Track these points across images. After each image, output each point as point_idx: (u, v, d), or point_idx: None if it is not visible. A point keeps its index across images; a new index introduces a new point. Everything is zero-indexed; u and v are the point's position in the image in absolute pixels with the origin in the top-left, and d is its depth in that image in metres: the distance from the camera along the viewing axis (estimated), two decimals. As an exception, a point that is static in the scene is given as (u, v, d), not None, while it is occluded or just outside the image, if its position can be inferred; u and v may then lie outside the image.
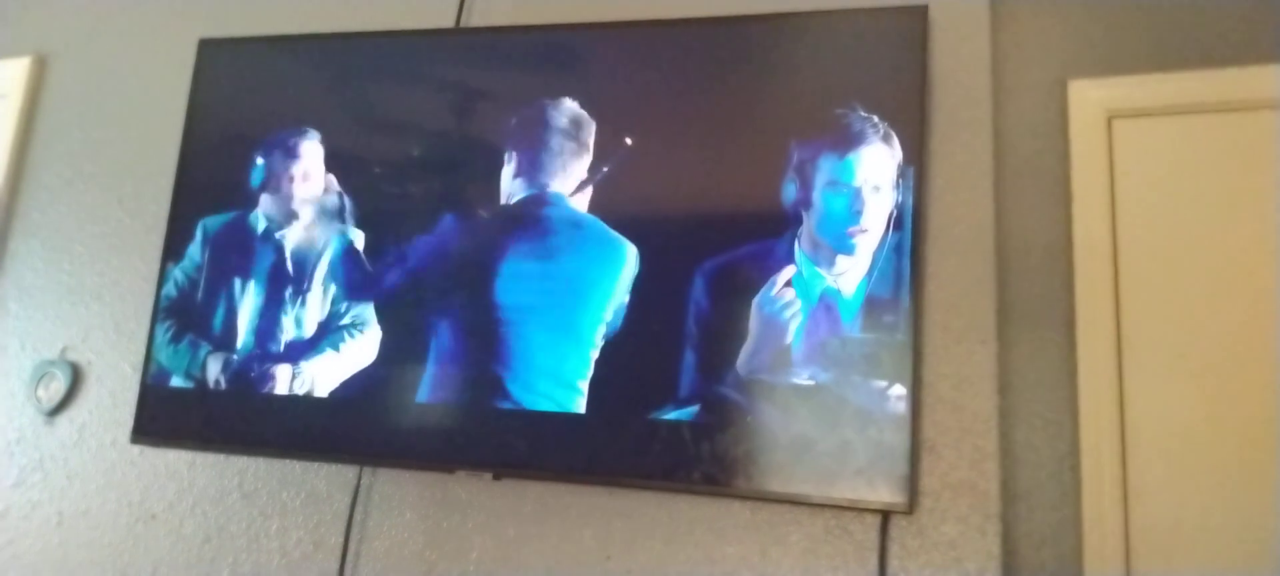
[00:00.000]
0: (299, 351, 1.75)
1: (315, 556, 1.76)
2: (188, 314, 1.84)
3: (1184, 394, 1.53)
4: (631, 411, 1.56)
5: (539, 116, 1.72)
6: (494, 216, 1.71)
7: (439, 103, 1.81)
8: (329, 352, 1.73)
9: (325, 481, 1.79)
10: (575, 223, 1.65)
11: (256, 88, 1.93)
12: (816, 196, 1.55)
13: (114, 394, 1.98)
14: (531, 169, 1.70)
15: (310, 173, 1.82)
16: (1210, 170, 1.59)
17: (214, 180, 1.89)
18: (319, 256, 1.78)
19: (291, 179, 1.83)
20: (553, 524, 1.65)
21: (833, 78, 1.60)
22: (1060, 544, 1.52)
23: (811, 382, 1.49)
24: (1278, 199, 1.54)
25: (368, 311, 1.73)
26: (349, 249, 1.76)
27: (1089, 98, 1.65)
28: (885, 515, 1.48)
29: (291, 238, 1.81)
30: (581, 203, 1.66)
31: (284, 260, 1.80)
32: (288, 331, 1.76)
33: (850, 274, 1.51)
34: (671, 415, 1.53)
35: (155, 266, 1.91)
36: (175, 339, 1.83)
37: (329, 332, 1.74)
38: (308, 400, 1.73)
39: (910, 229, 1.50)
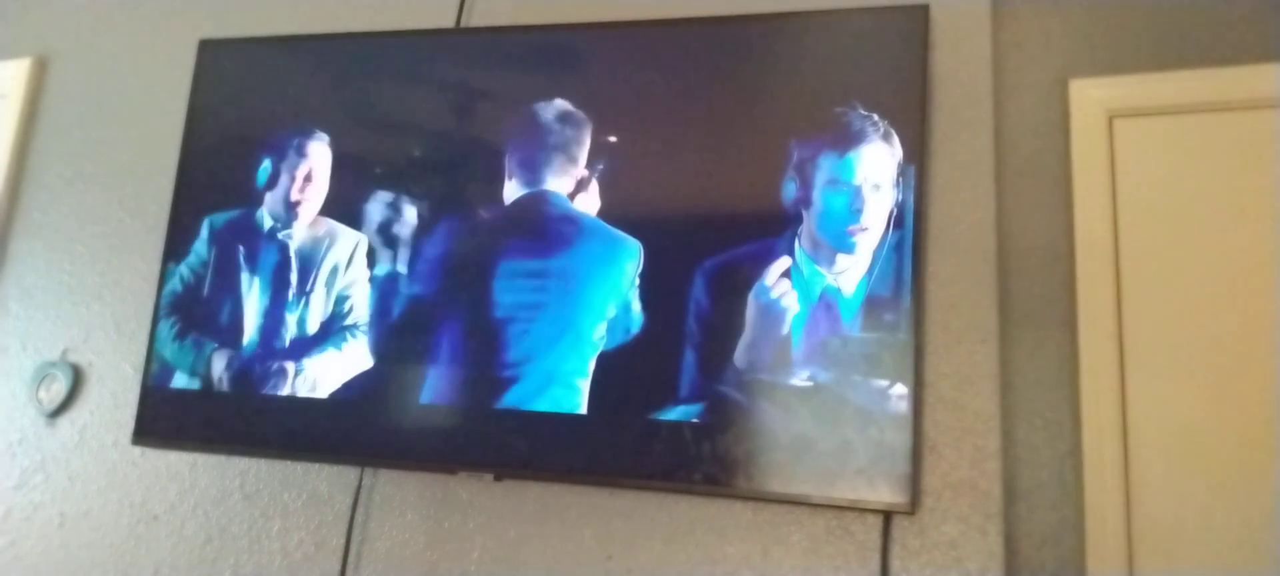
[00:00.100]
0: (301, 351, 1.75)
1: (317, 557, 1.76)
2: (191, 312, 1.84)
3: (1185, 392, 1.53)
4: (632, 411, 1.56)
5: (539, 116, 1.72)
6: (494, 216, 1.71)
7: (439, 103, 1.81)
8: (331, 352, 1.73)
9: (327, 482, 1.79)
10: (576, 222, 1.65)
11: (257, 88, 1.93)
12: (817, 195, 1.55)
13: (115, 395, 1.98)
14: (532, 169, 1.70)
15: (316, 174, 1.82)
16: (1211, 169, 1.59)
17: (215, 181, 1.89)
18: (323, 256, 1.78)
19: (297, 179, 1.83)
20: (554, 524, 1.65)
21: (833, 77, 1.59)
22: (1062, 543, 1.52)
23: (812, 382, 1.48)
24: (1279, 198, 1.54)
25: (369, 312, 1.73)
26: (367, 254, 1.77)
27: (1090, 97, 1.65)
28: (887, 515, 1.48)
29: (295, 237, 1.81)
30: (583, 203, 1.66)
31: (288, 259, 1.80)
32: (290, 331, 1.76)
33: (850, 272, 1.51)
34: (672, 415, 1.53)
35: (156, 267, 1.91)
36: (179, 336, 1.83)
37: (331, 333, 1.74)
38: (309, 401, 1.73)
39: (912, 228, 1.50)
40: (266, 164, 1.85)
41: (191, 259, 1.86)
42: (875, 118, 1.55)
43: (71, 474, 1.97)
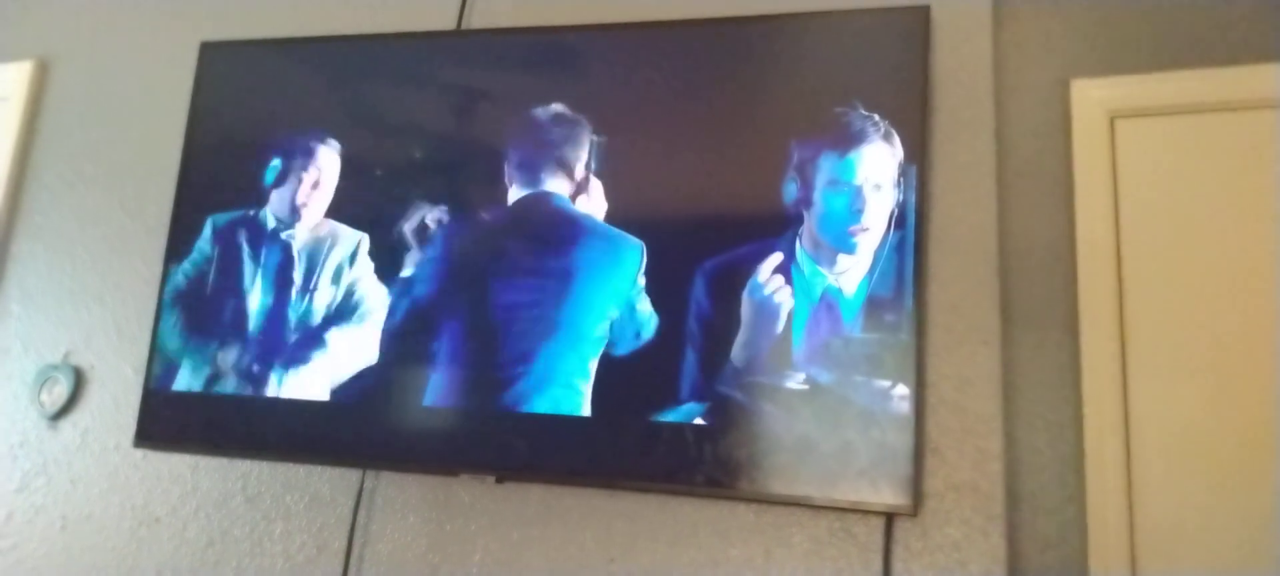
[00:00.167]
0: (303, 353, 1.75)
1: (319, 560, 1.76)
2: (193, 314, 1.84)
3: (1188, 393, 1.53)
4: (633, 413, 1.56)
5: (539, 118, 1.72)
6: (495, 218, 1.71)
7: (440, 105, 1.81)
8: (332, 354, 1.73)
9: (329, 485, 1.79)
10: (577, 224, 1.65)
11: (258, 90, 1.93)
12: (817, 195, 1.55)
13: (117, 398, 1.98)
14: (533, 170, 1.70)
15: (324, 179, 1.82)
16: (1213, 170, 1.59)
17: (217, 183, 1.90)
18: (325, 257, 1.78)
19: (304, 183, 1.82)
20: (556, 526, 1.65)
21: (834, 78, 1.59)
22: (1065, 545, 1.52)
23: (814, 383, 1.48)
24: (1279, 198, 1.54)
25: (371, 314, 1.73)
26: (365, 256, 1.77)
27: (1091, 97, 1.65)
28: (889, 517, 1.48)
29: (299, 238, 1.80)
30: (584, 204, 1.66)
31: (291, 260, 1.80)
32: (292, 333, 1.76)
33: (851, 273, 1.51)
34: (674, 416, 1.53)
35: (158, 269, 1.91)
36: (181, 338, 1.83)
37: (332, 335, 1.74)
38: (311, 403, 1.73)
39: (913, 228, 1.50)
40: (276, 163, 1.85)
41: (193, 260, 1.86)
42: (876, 118, 1.55)
43: (73, 476, 1.97)
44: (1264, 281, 1.52)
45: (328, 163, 1.83)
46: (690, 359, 1.54)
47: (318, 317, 1.76)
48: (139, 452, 1.91)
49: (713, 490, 1.52)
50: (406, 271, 1.73)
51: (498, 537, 1.67)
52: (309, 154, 1.84)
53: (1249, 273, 1.53)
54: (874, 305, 1.49)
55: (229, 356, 1.79)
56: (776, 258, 1.53)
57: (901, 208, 1.51)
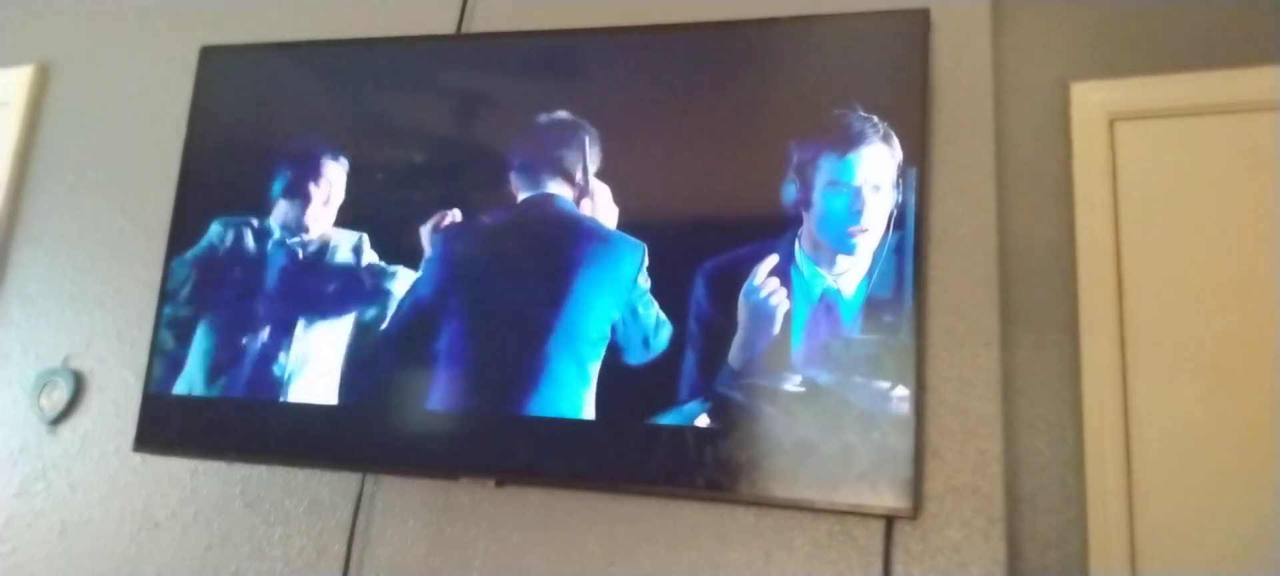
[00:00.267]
0: (304, 357, 1.75)
1: (319, 564, 1.76)
2: (193, 318, 1.83)
3: (1188, 395, 1.53)
4: (633, 416, 1.55)
5: (540, 121, 1.72)
6: (497, 222, 1.71)
7: (441, 109, 1.81)
8: (332, 357, 1.73)
9: (328, 489, 1.79)
10: (578, 227, 1.65)
11: (258, 94, 1.93)
12: (817, 196, 1.55)
13: (116, 402, 1.98)
14: (534, 174, 1.70)
15: (331, 194, 1.81)
16: (1212, 172, 1.59)
17: (218, 187, 1.90)
18: (328, 263, 1.78)
19: (313, 199, 1.82)
20: (556, 530, 1.65)
21: (834, 80, 1.59)
22: (1065, 547, 1.51)
23: (813, 384, 1.48)
24: (1279, 200, 1.54)
25: (372, 318, 1.73)
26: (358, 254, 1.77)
27: (1091, 100, 1.65)
28: (889, 519, 1.47)
29: (303, 244, 1.80)
30: (585, 207, 1.66)
31: (294, 266, 1.80)
32: (293, 336, 1.76)
33: (850, 274, 1.51)
34: (674, 419, 1.53)
35: (158, 274, 1.91)
36: (180, 343, 1.83)
37: (333, 339, 1.74)
38: (310, 407, 1.73)
39: (912, 229, 1.50)
40: (283, 176, 1.84)
41: (195, 265, 1.86)
42: (875, 120, 1.55)
43: (73, 481, 1.97)
44: (1263, 283, 1.52)
45: (335, 177, 1.82)
46: (690, 360, 1.54)
47: (318, 323, 1.76)
48: (138, 457, 1.91)
49: (713, 493, 1.52)
50: (408, 276, 1.72)
51: (498, 541, 1.67)
52: (317, 170, 1.83)
53: (1248, 274, 1.53)
54: (873, 306, 1.49)
55: (230, 361, 1.79)
56: (772, 260, 1.53)
57: (900, 209, 1.51)
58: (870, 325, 1.49)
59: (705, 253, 1.57)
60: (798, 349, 1.50)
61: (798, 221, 1.55)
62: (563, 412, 1.58)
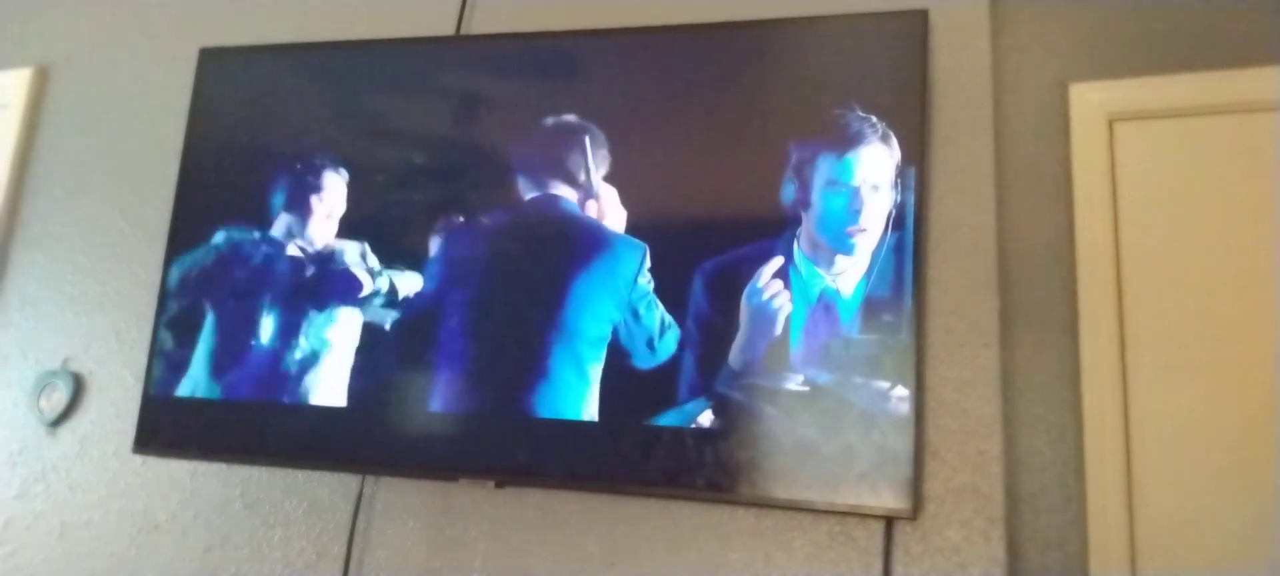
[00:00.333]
0: (303, 361, 1.75)
1: (318, 565, 1.76)
2: (192, 321, 1.83)
3: (1187, 395, 1.53)
4: (633, 417, 1.55)
5: (539, 123, 1.72)
6: (498, 224, 1.71)
7: (440, 110, 1.81)
8: (331, 360, 1.73)
9: (328, 490, 1.79)
10: (577, 228, 1.65)
11: (257, 96, 1.93)
12: (815, 196, 1.55)
13: (116, 404, 1.98)
14: (532, 175, 1.70)
15: (333, 204, 1.81)
16: (1211, 172, 1.59)
17: (218, 190, 1.89)
18: (328, 265, 1.78)
19: (314, 210, 1.81)
20: (556, 531, 1.65)
21: (833, 81, 1.59)
22: (1065, 547, 1.51)
23: (813, 384, 1.48)
24: (1278, 200, 1.54)
25: (372, 321, 1.73)
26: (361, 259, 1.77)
27: (1090, 100, 1.65)
28: (889, 520, 1.47)
29: (303, 248, 1.80)
30: (585, 208, 1.66)
31: (293, 269, 1.80)
32: (293, 338, 1.76)
33: (849, 274, 1.51)
34: (674, 420, 1.53)
35: (157, 276, 1.91)
36: (179, 346, 1.83)
37: (333, 342, 1.74)
38: (310, 409, 1.73)
39: (912, 229, 1.50)
40: (286, 179, 1.83)
41: (195, 268, 1.86)
42: (873, 120, 1.55)
43: (72, 483, 1.97)
44: (1263, 283, 1.52)
45: (337, 183, 1.81)
46: (689, 360, 1.54)
47: (318, 326, 1.76)
48: (138, 459, 1.91)
49: (714, 494, 1.52)
50: (408, 278, 1.72)
51: (498, 542, 1.67)
52: (319, 173, 1.82)
53: (1248, 274, 1.53)
54: (872, 306, 1.49)
55: (231, 364, 1.79)
56: (777, 262, 1.53)
57: (899, 209, 1.51)
58: (869, 325, 1.49)
59: (704, 253, 1.57)
60: (797, 349, 1.50)
61: (796, 221, 1.55)
62: (562, 413, 1.58)
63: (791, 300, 1.52)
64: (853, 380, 1.47)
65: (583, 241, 1.64)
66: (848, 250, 1.52)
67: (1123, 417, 1.53)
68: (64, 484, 1.97)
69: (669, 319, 1.56)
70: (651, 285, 1.58)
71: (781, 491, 1.47)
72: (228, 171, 1.90)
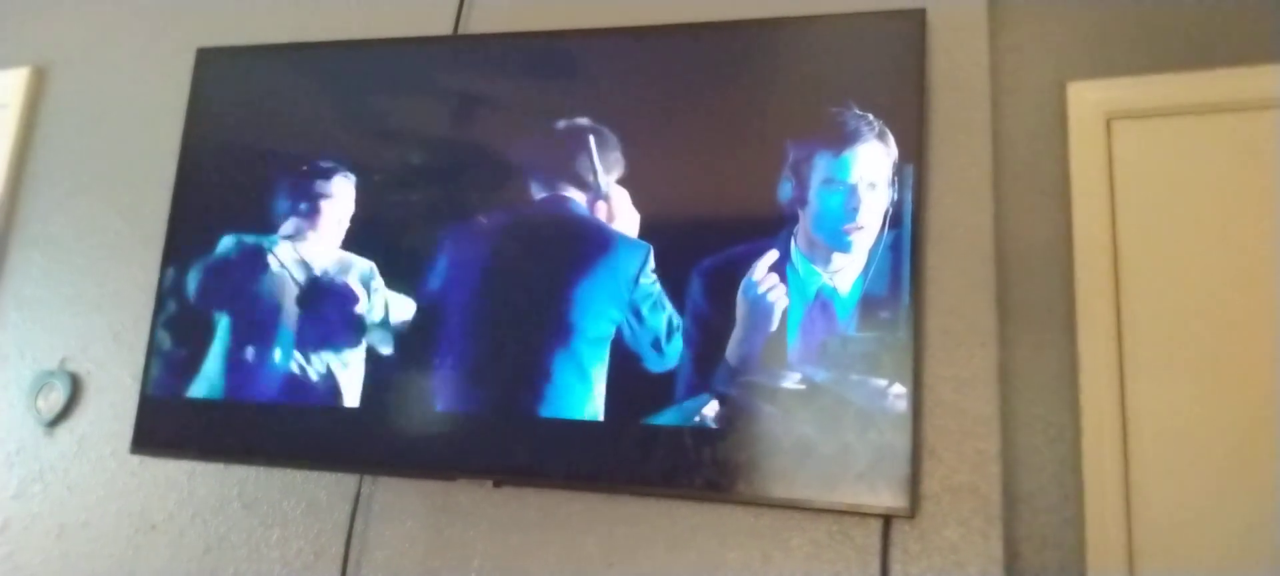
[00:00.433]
0: (302, 361, 1.74)
1: (316, 565, 1.76)
2: (190, 322, 1.83)
3: (1186, 394, 1.53)
4: (632, 416, 1.55)
5: (538, 123, 1.72)
6: (498, 224, 1.71)
7: (439, 110, 1.81)
8: (331, 361, 1.73)
9: (326, 490, 1.79)
10: (577, 228, 1.65)
11: (255, 96, 1.93)
12: (812, 194, 1.55)
13: (114, 404, 1.98)
14: (532, 175, 1.70)
15: (335, 200, 1.80)
16: (1210, 171, 1.59)
17: (216, 191, 1.89)
18: (326, 265, 1.78)
19: (315, 202, 1.81)
20: (555, 531, 1.65)
21: (830, 80, 1.60)
22: (1063, 546, 1.51)
23: (811, 383, 1.48)
24: (1278, 199, 1.54)
25: (370, 320, 1.73)
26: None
27: (1088, 99, 1.65)
28: (887, 519, 1.47)
29: (303, 253, 1.79)
30: (584, 208, 1.65)
31: (292, 269, 1.79)
32: (292, 341, 1.76)
33: (846, 271, 1.51)
34: (672, 419, 1.53)
35: (155, 276, 1.91)
36: (177, 346, 1.82)
37: (332, 342, 1.74)
38: (308, 409, 1.73)
39: (909, 227, 1.50)
40: (288, 184, 1.83)
41: (194, 268, 1.85)
42: (870, 118, 1.55)
43: (70, 483, 1.96)
44: (1261, 282, 1.52)
45: (339, 188, 1.81)
46: (687, 359, 1.54)
47: (317, 327, 1.75)
48: (136, 459, 1.91)
49: (712, 494, 1.52)
50: (408, 278, 1.72)
51: (496, 542, 1.67)
52: (320, 178, 1.82)
53: (1246, 273, 1.53)
54: (869, 304, 1.49)
55: (225, 369, 1.78)
56: (772, 256, 1.53)
57: (896, 206, 1.51)
58: (866, 323, 1.49)
59: (702, 251, 1.57)
60: (794, 346, 1.50)
61: (794, 219, 1.55)
62: (563, 413, 1.58)
63: (788, 294, 1.52)
64: (850, 378, 1.47)
65: (585, 242, 1.64)
66: (845, 248, 1.52)
67: (1121, 416, 1.53)
68: (61, 484, 1.97)
69: (677, 320, 1.56)
70: (657, 285, 1.58)
71: (779, 490, 1.47)
72: (227, 173, 1.90)
